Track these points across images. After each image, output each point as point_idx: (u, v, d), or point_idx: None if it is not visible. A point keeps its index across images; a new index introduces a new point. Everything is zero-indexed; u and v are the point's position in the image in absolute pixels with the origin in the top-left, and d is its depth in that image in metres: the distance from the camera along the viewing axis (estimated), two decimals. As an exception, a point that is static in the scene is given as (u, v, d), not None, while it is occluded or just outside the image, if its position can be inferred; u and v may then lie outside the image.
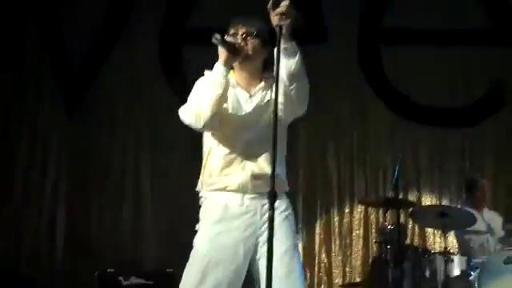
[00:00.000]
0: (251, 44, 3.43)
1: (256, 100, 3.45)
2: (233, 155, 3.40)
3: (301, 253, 7.19)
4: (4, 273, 6.48)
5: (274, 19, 3.13)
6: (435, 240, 7.09)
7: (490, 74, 7.54)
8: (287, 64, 3.20)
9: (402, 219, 6.54)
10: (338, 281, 7.17)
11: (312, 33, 7.57)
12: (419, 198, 7.34)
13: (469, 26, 7.66)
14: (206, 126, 3.38)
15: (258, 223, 3.37)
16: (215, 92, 3.32)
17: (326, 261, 7.26)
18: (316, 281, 7.18)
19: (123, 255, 6.82)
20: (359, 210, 7.38)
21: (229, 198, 3.40)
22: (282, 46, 3.15)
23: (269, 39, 3.43)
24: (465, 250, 6.16)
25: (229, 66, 3.38)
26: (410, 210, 6.48)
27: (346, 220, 7.39)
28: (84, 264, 6.67)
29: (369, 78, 7.65)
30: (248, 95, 3.47)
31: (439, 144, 7.43)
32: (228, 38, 3.41)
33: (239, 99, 3.46)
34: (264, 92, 3.46)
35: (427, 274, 5.79)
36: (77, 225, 6.99)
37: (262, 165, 3.38)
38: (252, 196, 3.39)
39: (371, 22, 7.73)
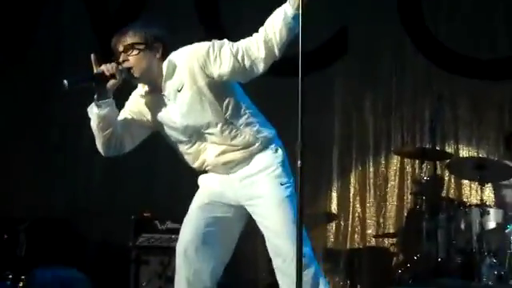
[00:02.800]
0: (132, 58, 3.36)
1: (173, 95, 3.37)
2: (190, 150, 3.45)
3: (334, 202, 7.29)
4: (40, 215, 6.60)
5: None
6: (471, 193, 7.01)
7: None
8: (293, 29, 3.14)
9: (438, 171, 6.48)
10: (371, 231, 7.16)
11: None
12: (457, 150, 7.24)
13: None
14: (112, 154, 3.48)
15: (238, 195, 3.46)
16: (96, 134, 3.40)
17: (359, 211, 7.25)
18: (350, 230, 7.19)
19: (159, 200, 6.91)
20: (395, 160, 7.32)
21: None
22: (295, 12, 3.11)
23: (150, 40, 3.37)
24: (501, 203, 6.09)
25: (106, 97, 3.33)
26: (447, 161, 6.43)
27: (381, 170, 7.35)
28: (120, 207, 6.77)
29: (408, 27, 7.52)
30: (163, 96, 3.40)
31: (479, 96, 7.29)
32: (95, 70, 3.31)
33: (160, 104, 3.41)
34: (174, 80, 3.37)
35: (462, 226, 5.76)
36: (114, 168, 7.03)
37: (217, 142, 3.39)
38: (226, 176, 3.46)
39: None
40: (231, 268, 3.61)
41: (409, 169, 7.26)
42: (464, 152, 7.28)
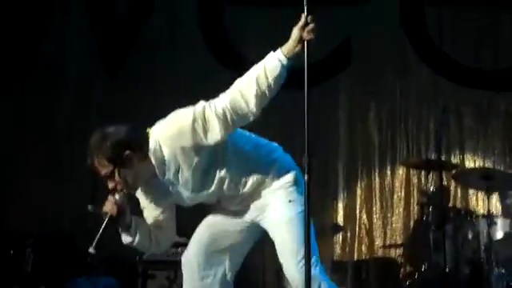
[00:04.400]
0: (117, 180, 3.26)
1: (174, 178, 3.30)
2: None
3: (341, 213, 7.27)
4: (47, 232, 6.59)
5: (304, 34, 3.04)
6: (478, 203, 6.99)
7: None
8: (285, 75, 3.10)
9: (444, 181, 6.47)
10: (378, 242, 7.13)
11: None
12: (462, 160, 7.23)
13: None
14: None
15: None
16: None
17: (366, 222, 7.23)
18: (357, 241, 7.16)
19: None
20: (401, 171, 7.31)
21: None
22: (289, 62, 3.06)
23: (118, 159, 3.21)
24: (508, 212, 6.07)
25: (130, 226, 3.37)
26: (454, 171, 6.42)
27: (387, 181, 7.33)
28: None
29: (412, 38, 7.53)
30: (166, 182, 3.34)
31: (484, 106, 7.29)
32: (105, 219, 3.32)
33: (167, 190, 3.37)
34: (169, 166, 3.27)
35: (470, 236, 5.76)
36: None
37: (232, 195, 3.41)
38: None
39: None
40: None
41: (415, 180, 7.24)
42: (470, 162, 7.27)
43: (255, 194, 3.40)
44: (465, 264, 5.65)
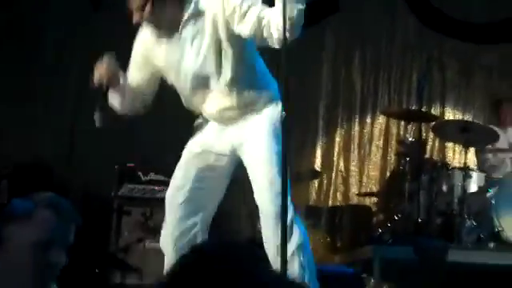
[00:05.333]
0: (149, 7, 3.21)
1: (190, 40, 3.30)
2: (193, 98, 3.44)
3: (319, 159, 7.29)
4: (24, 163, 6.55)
5: None
6: (455, 156, 7.04)
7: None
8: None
9: (423, 132, 6.48)
10: (354, 190, 7.19)
11: None
12: (443, 113, 7.25)
13: None
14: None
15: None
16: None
17: (343, 169, 7.27)
18: (332, 188, 7.21)
19: (144, 151, 6.87)
20: (381, 120, 7.33)
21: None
22: None
23: None
24: (484, 166, 6.12)
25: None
26: (433, 123, 6.43)
27: (366, 130, 7.35)
28: (105, 157, 6.73)
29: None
30: (177, 40, 3.33)
31: (467, 59, 7.27)
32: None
33: (172, 49, 3.35)
34: (194, 25, 3.29)
35: (444, 188, 5.79)
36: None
37: (221, 96, 3.37)
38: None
39: None
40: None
41: (394, 129, 7.27)
42: (450, 115, 7.29)
43: (243, 113, 3.39)
44: (437, 215, 5.70)
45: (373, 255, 4.99)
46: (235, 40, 3.25)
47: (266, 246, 3.26)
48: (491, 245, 5.21)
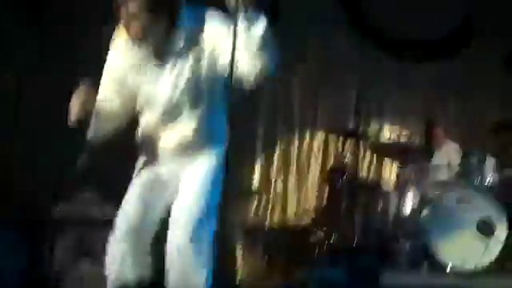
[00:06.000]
0: (144, 17, 3.16)
1: (171, 65, 3.26)
2: (156, 129, 3.37)
3: (256, 177, 7.27)
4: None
5: None
6: (391, 173, 7.11)
7: (458, 10, 7.41)
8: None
9: (361, 150, 6.55)
10: (292, 208, 7.18)
11: None
12: (379, 131, 7.32)
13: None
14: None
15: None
16: None
17: (281, 187, 7.26)
18: (270, 207, 7.19)
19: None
20: (319, 138, 7.35)
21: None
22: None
23: None
24: (419, 186, 6.20)
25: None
26: (370, 142, 6.50)
27: (305, 147, 7.36)
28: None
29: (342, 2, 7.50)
30: (157, 65, 3.28)
31: (405, 78, 7.37)
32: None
33: (150, 73, 3.30)
34: (181, 50, 3.25)
35: (379, 208, 5.86)
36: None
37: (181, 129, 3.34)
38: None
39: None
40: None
41: (332, 147, 7.29)
42: (387, 133, 7.36)
43: (198, 148, 3.36)
44: (373, 236, 5.76)
45: (309, 278, 5.02)
46: (212, 78, 3.25)
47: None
48: (424, 266, 5.27)
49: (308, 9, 7.37)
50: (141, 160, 3.50)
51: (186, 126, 3.33)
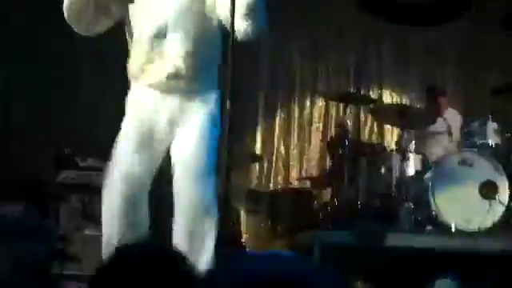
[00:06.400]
0: None
1: None
2: (149, 49, 3.30)
3: (259, 143, 7.29)
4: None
5: None
6: (393, 138, 7.13)
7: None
8: None
9: (361, 115, 6.55)
10: (294, 173, 7.22)
11: None
12: (380, 95, 7.33)
13: None
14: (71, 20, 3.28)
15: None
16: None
17: (283, 152, 7.29)
18: (273, 172, 7.22)
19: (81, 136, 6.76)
20: (320, 104, 7.36)
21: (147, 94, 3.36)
22: None
23: None
24: (422, 149, 6.21)
25: None
26: (371, 106, 6.49)
27: (306, 112, 7.37)
28: (42, 143, 6.59)
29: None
30: None
31: (404, 42, 7.35)
32: None
33: None
34: None
35: (382, 171, 5.86)
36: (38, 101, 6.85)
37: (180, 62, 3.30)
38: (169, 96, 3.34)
39: None
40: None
41: (333, 112, 7.30)
42: (388, 97, 7.37)
43: (190, 86, 3.34)
44: (376, 198, 5.77)
45: (313, 240, 5.02)
46: (209, 19, 3.31)
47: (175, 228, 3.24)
48: (428, 228, 5.29)
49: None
50: (132, 96, 3.42)
51: (177, 53, 3.28)
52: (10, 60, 6.83)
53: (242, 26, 3.17)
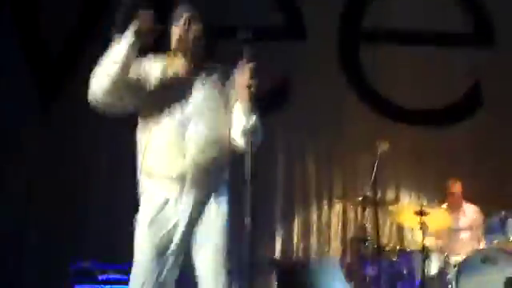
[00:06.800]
0: (198, 34, 3.39)
1: (201, 82, 3.40)
2: (171, 139, 3.33)
3: (278, 248, 7.25)
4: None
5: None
6: (413, 239, 7.08)
7: (468, 74, 7.57)
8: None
9: (380, 217, 6.53)
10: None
11: (291, 30, 7.57)
12: (397, 197, 7.34)
13: (448, 28, 7.69)
14: (105, 99, 3.26)
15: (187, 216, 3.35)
16: (111, 69, 3.23)
17: (302, 255, 7.24)
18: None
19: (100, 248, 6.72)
20: (337, 208, 7.37)
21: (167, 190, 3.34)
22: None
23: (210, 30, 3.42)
24: (444, 248, 6.18)
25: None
26: (389, 208, 6.50)
27: (324, 217, 7.37)
28: (60, 256, 6.56)
29: (348, 77, 7.65)
30: (190, 77, 3.40)
31: (417, 143, 7.43)
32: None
33: (180, 81, 3.39)
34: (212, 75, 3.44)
35: (405, 272, 5.81)
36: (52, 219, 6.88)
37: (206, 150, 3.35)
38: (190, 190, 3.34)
39: (351, 22, 7.72)
40: None
41: (351, 216, 7.30)
42: (405, 198, 7.38)
43: (209, 181, 3.38)
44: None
45: None
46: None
47: None
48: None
49: (318, 86, 7.50)
50: (146, 188, 3.39)
51: (197, 147, 3.32)
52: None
53: (242, 141, 3.34)
